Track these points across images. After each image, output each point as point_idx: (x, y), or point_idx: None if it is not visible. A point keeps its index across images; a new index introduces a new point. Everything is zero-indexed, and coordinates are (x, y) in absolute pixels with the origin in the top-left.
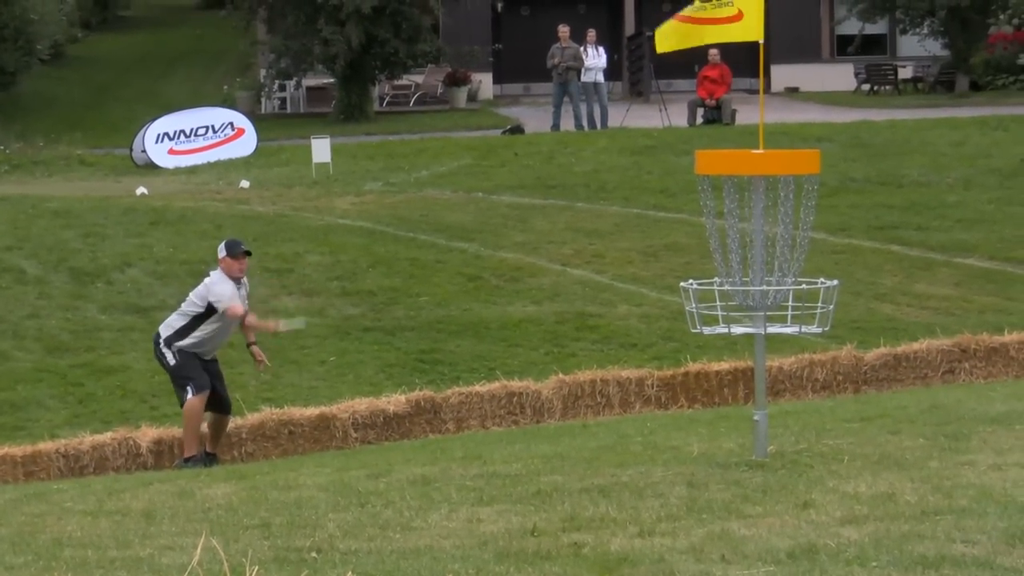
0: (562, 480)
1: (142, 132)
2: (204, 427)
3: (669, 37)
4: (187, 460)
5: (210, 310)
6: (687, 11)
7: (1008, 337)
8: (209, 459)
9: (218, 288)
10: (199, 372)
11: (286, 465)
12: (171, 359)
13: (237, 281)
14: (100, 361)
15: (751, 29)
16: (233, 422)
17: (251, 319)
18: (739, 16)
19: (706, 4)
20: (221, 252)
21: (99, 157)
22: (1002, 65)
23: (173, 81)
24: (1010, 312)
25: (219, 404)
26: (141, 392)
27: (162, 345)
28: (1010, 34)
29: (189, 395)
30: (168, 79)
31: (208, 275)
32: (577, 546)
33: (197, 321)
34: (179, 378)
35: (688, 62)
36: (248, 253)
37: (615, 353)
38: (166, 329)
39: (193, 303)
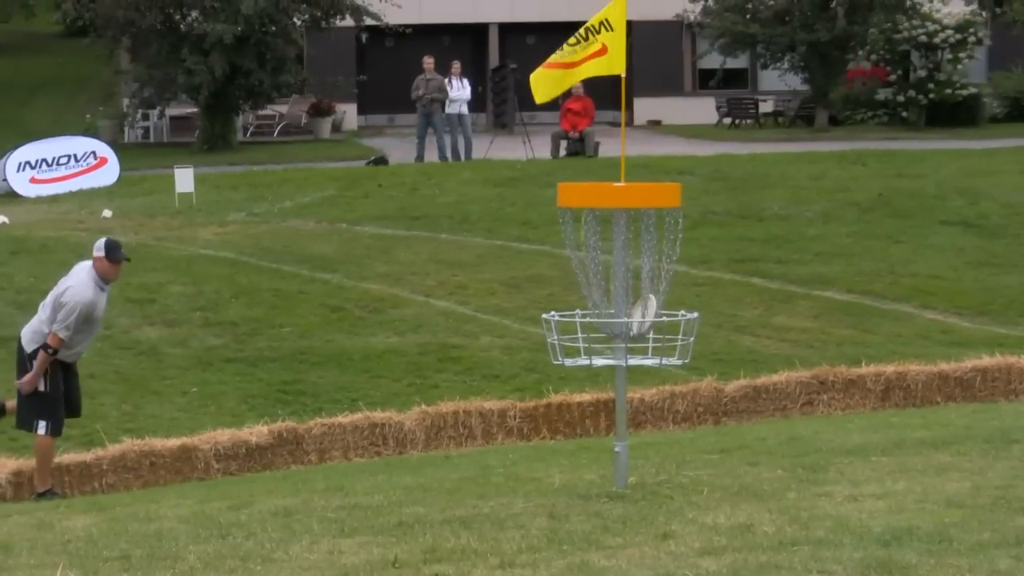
0: (424, 511)
1: (3, 161)
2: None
3: (544, 85)
4: (42, 494)
5: None
6: (555, 57)
7: (865, 369)
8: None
9: (75, 294)
10: (60, 410)
11: (147, 496)
12: (43, 384)
13: (104, 284)
14: None
15: (614, 63)
16: (93, 453)
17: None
18: (603, 51)
19: (575, 47)
20: (99, 251)
21: None
22: (860, 100)
23: (35, 108)
24: (867, 344)
25: (73, 408)
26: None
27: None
28: (868, 70)
29: (41, 432)
30: (30, 107)
31: (72, 272)
32: None
33: None
34: (42, 408)
35: None
36: (128, 260)
37: (477, 384)
38: (31, 344)
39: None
